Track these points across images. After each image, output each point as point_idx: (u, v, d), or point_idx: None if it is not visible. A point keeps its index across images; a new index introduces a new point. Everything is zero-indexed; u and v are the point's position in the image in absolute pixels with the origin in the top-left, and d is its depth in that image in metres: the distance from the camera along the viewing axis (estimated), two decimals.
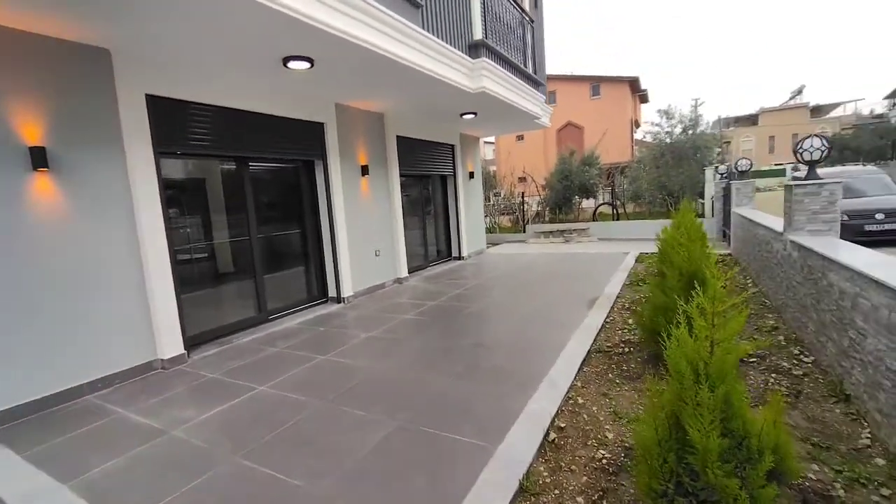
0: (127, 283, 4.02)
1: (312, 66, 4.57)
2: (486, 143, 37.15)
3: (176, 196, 4.84)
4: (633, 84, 27.99)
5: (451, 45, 5.61)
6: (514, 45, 7.44)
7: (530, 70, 7.95)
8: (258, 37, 3.83)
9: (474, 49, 6.13)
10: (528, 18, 8.02)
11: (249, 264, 5.51)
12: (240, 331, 5.25)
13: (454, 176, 9.92)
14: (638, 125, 32.92)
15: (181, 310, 4.39)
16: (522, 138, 29.50)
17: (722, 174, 11.18)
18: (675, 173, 12.58)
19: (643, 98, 33.03)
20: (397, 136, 7.78)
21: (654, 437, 1.86)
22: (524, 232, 14.44)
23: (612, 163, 20.91)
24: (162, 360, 4.23)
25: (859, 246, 3.13)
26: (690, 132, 12.40)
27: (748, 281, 6.14)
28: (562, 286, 6.70)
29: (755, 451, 1.68)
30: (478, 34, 6.15)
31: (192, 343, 4.64)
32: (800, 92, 55.21)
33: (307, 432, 2.89)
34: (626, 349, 3.94)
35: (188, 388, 3.76)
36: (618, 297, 5.76)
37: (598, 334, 4.36)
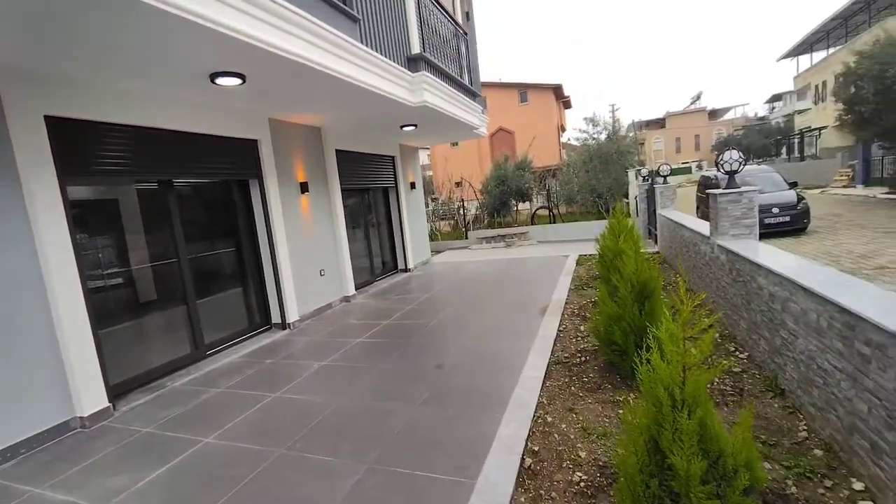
0: (29, 327, 3.46)
1: (244, 82, 4.25)
2: (421, 149, 37.34)
3: (86, 218, 4.27)
4: (556, 91, 29.49)
5: (390, 59, 5.51)
6: (451, 57, 7.49)
7: (466, 81, 8.05)
8: (178, 51, 3.47)
9: (413, 63, 6.07)
10: (461, 31, 8.12)
11: (179, 291, 4.99)
12: (174, 371, 4.75)
13: (396, 187, 9.78)
14: (563, 130, 34.80)
15: (100, 353, 3.86)
16: (457, 144, 29.92)
17: (644, 177, 12.06)
18: (603, 176, 13.40)
19: (566, 104, 34.98)
20: (337, 150, 7.51)
21: (635, 463, 1.90)
22: (466, 238, 14.63)
23: (544, 166, 21.86)
24: (81, 417, 3.69)
25: (781, 251, 3.49)
26: (614, 137, 13.28)
27: (678, 278, 6.65)
28: (512, 294, 6.82)
29: (730, 470, 1.78)
30: (416, 48, 6.10)
31: (117, 392, 4.11)
32: (698, 97, 61.78)
33: (269, 489, 2.64)
34: (583, 358, 4.07)
35: (117, 449, 3.30)
36: (566, 302, 5.97)
37: (554, 344, 4.46)
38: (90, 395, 3.74)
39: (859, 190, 19.14)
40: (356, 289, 7.97)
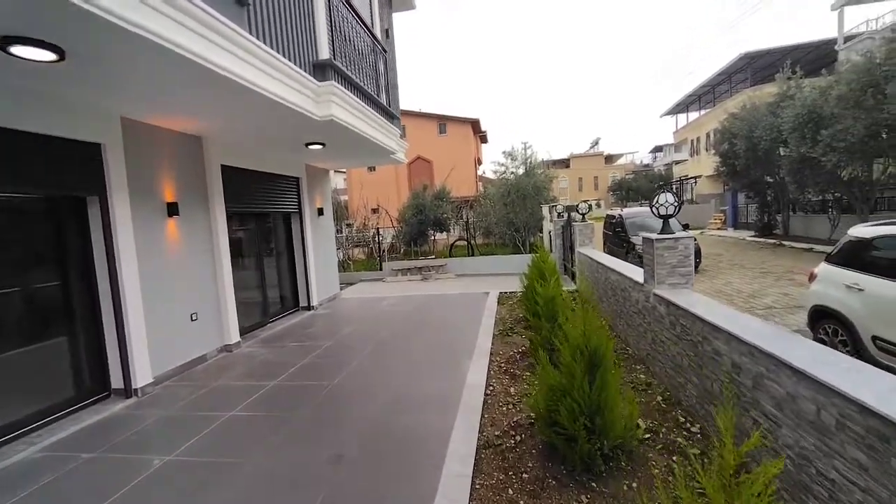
0: None
1: (63, 58, 2.99)
2: (336, 172, 35.73)
3: None
4: (474, 125, 30.26)
5: (292, 62, 4.54)
6: (368, 74, 6.70)
7: (384, 101, 7.30)
8: None
9: (321, 70, 5.15)
10: (380, 47, 7.41)
11: None
12: None
13: (300, 213, 8.55)
14: (480, 162, 35.78)
15: None
16: (374, 169, 29.07)
17: (559, 213, 12.21)
18: (520, 210, 13.40)
19: (483, 138, 36.16)
20: (223, 167, 6.20)
21: None
22: (381, 269, 13.61)
23: (462, 197, 21.85)
24: None
25: (746, 315, 3.10)
26: (531, 172, 13.43)
27: (603, 321, 6.34)
28: (430, 342, 5.96)
29: None
30: (324, 53, 5.20)
31: None
32: (597, 143, 68.53)
33: None
34: (518, 437, 3.30)
35: None
36: (492, 353, 5.26)
37: (482, 416, 3.66)
38: None
39: (730, 232, 21.84)
40: (242, 334, 6.54)
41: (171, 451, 3.39)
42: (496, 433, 3.39)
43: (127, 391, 4.57)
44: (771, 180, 16.85)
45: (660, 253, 4.08)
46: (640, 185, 52.25)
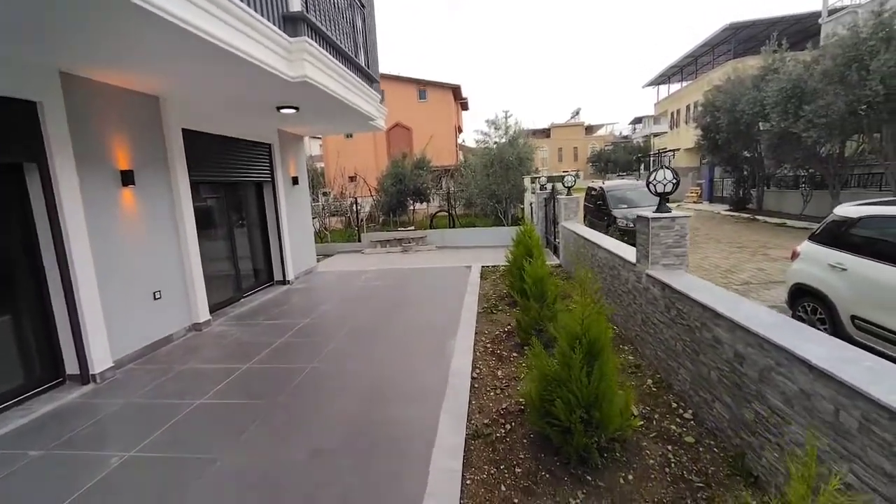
0: None
1: None
2: (312, 137, 34.27)
3: None
4: (455, 91, 29.27)
5: (259, 15, 4.02)
6: (345, 31, 6.13)
7: (363, 62, 6.76)
8: None
9: (291, 24, 4.62)
10: (358, 2, 6.79)
11: None
12: None
13: (273, 182, 8.03)
14: (461, 131, 34.93)
15: None
16: (352, 136, 28.01)
17: (542, 185, 11.98)
18: (502, 181, 13.10)
19: (464, 105, 35.15)
20: (185, 130, 5.64)
21: None
22: (359, 241, 13.21)
23: (442, 166, 21.31)
24: None
25: (749, 301, 2.95)
26: (514, 143, 13.05)
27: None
28: (413, 320, 5.75)
29: None
30: (296, 5, 4.66)
31: None
32: (577, 113, 67.94)
33: None
34: (508, 426, 3.16)
35: None
36: (477, 332, 5.09)
37: (470, 402, 3.50)
38: None
39: (706, 206, 22.19)
40: (213, 311, 6.18)
41: (133, 447, 3.11)
42: (485, 421, 3.24)
43: (83, 377, 4.21)
44: (748, 155, 16.99)
45: (655, 232, 3.91)
46: (619, 156, 52.42)
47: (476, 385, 3.83)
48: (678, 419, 3.13)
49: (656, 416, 3.19)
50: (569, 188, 8.56)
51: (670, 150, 35.41)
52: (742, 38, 26.57)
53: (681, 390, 3.41)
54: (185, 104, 5.59)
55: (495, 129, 13.40)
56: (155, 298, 5.09)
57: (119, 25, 3.10)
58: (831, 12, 20.62)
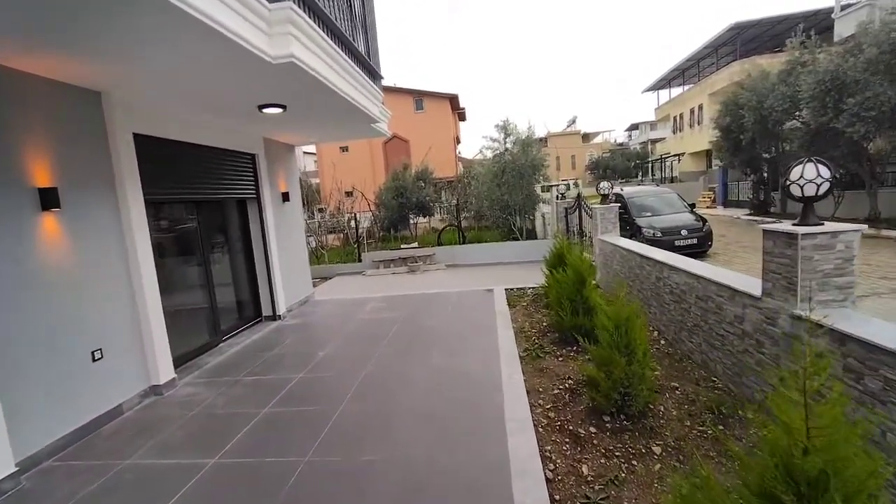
0: None
1: None
2: (305, 152, 33.17)
3: None
4: (453, 101, 28.36)
5: None
6: (340, 7, 4.95)
7: (362, 49, 5.57)
8: None
9: None
10: None
11: None
12: None
13: (258, 199, 6.77)
14: (459, 141, 33.93)
15: None
16: (347, 149, 26.97)
17: (562, 194, 10.81)
18: (515, 191, 11.92)
19: (462, 116, 34.25)
20: (138, 136, 4.39)
21: None
22: (360, 261, 11.92)
23: (443, 177, 20.21)
24: None
25: None
26: (527, 149, 11.92)
27: (655, 333, 4.97)
28: (438, 371, 4.43)
29: None
30: None
31: None
32: (574, 121, 67.50)
33: None
34: None
35: None
36: (528, 389, 3.79)
37: None
38: None
39: (721, 210, 21.07)
40: (181, 364, 4.87)
41: None
42: None
43: None
44: (767, 156, 15.92)
45: (807, 255, 2.66)
46: (618, 163, 51.62)
47: (557, 497, 2.51)
48: None
49: None
50: (604, 195, 7.34)
51: (674, 155, 34.53)
52: (746, 39, 25.85)
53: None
54: (137, 102, 4.35)
55: (505, 134, 12.25)
56: (94, 360, 3.77)
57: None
58: (843, 7, 19.89)
